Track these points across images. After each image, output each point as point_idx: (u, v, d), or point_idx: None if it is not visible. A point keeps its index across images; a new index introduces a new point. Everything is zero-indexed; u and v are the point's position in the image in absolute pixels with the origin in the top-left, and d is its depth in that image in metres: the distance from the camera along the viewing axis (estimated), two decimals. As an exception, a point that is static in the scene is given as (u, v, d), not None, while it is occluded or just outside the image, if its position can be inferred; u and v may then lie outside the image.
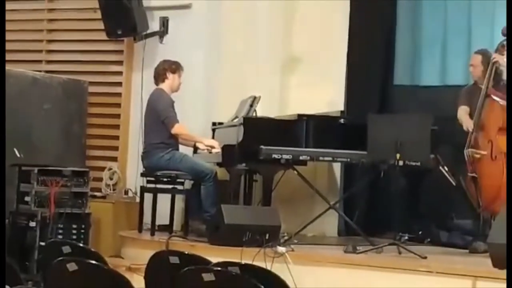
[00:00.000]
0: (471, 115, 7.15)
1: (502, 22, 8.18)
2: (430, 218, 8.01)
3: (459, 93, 7.47)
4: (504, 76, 7.11)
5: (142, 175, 7.89)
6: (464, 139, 7.15)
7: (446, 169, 6.97)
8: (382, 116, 7.72)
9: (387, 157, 6.67)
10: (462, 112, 7.24)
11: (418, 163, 6.93)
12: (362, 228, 7.56)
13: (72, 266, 4.15)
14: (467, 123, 7.11)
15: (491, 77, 7.02)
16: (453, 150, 7.32)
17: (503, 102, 6.90)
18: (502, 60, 6.99)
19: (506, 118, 6.84)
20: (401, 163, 6.60)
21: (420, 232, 7.82)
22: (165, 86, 7.81)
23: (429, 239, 7.75)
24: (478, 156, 6.93)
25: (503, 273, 5.54)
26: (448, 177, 6.95)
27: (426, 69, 8.72)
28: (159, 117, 7.66)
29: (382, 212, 8.38)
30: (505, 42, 7.01)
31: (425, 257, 6.29)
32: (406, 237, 7.34)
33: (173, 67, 7.82)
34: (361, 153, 7.12)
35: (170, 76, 7.80)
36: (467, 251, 7.00)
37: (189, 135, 7.80)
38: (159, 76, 7.83)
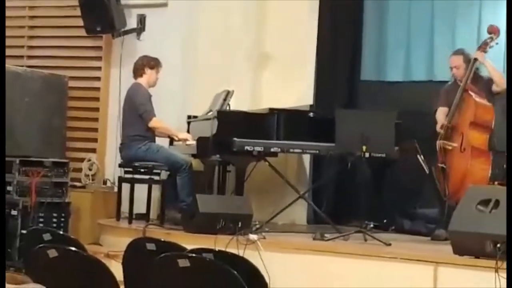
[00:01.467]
0: (449, 112, 7.13)
1: (463, 21, 8.27)
2: (394, 207, 8.05)
3: (439, 92, 7.44)
4: (483, 73, 7.13)
5: (120, 166, 7.87)
6: (426, 132, 7.17)
7: (422, 158, 6.99)
8: (349, 111, 7.75)
9: (353, 149, 6.69)
10: (440, 113, 7.21)
11: (383, 155, 6.96)
12: (330, 216, 7.59)
13: (52, 253, 4.13)
14: (439, 125, 7.11)
15: (470, 74, 7.04)
16: (415, 142, 7.34)
17: (478, 98, 6.94)
18: (482, 57, 7.02)
19: (478, 113, 6.89)
20: (367, 155, 6.62)
21: (384, 221, 7.85)
22: (142, 80, 7.79)
23: (393, 227, 7.79)
24: (450, 148, 6.96)
25: (463, 260, 5.59)
26: (423, 165, 6.97)
27: (391, 65, 8.75)
28: (137, 111, 7.64)
29: (349, 201, 8.41)
30: (488, 40, 7.05)
31: (390, 244, 6.33)
32: (372, 225, 7.35)
33: (152, 63, 7.80)
34: (329, 145, 7.14)
35: (148, 71, 7.78)
36: (430, 238, 7.05)
37: (165, 129, 7.79)
38: (138, 71, 7.81)
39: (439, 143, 6.95)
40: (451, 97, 7.09)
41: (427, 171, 7.05)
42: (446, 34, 8.41)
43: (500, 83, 7.00)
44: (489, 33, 7.10)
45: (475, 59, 7.02)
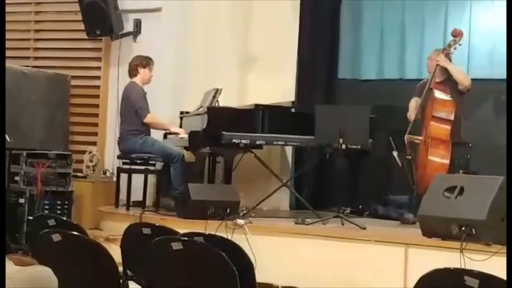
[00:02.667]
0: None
1: (432, 22, 8.29)
2: (368, 194, 8.06)
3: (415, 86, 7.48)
4: (450, 72, 7.11)
5: (119, 157, 7.85)
6: (398, 125, 7.19)
7: (397, 153, 7.00)
8: (328, 106, 7.74)
9: (331, 141, 6.68)
10: (412, 102, 7.20)
11: (359, 147, 6.96)
12: (310, 203, 7.58)
13: (56, 237, 4.13)
14: (410, 114, 7.13)
15: (434, 74, 7.04)
16: (388, 135, 7.35)
17: (440, 95, 6.95)
18: (443, 61, 7.01)
19: (438, 107, 6.90)
20: (343, 146, 6.61)
21: (360, 206, 7.85)
22: (137, 79, 7.76)
23: (368, 212, 7.79)
24: (417, 141, 6.96)
25: (431, 241, 5.60)
26: (397, 160, 6.98)
27: (366, 64, 8.76)
28: (133, 108, 7.62)
29: (328, 189, 8.44)
30: (451, 43, 7.05)
31: (365, 228, 6.33)
32: (348, 211, 7.36)
33: (144, 62, 7.77)
34: (309, 138, 7.14)
35: (141, 70, 7.75)
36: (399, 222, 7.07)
37: (159, 124, 7.79)
38: (132, 71, 7.79)
39: (407, 137, 6.97)
40: (423, 90, 7.09)
41: (400, 165, 7.05)
42: (416, 36, 8.44)
43: (462, 82, 7.00)
44: (453, 36, 7.10)
45: (437, 64, 7.03)
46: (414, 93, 7.27)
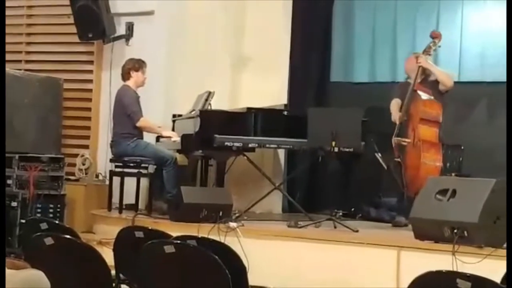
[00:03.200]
0: (402, 107, 7.16)
1: (423, 26, 8.31)
2: (361, 196, 8.07)
3: (394, 87, 7.49)
4: (432, 73, 7.14)
5: (111, 160, 7.84)
6: (390, 128, 7.21)
7: (380, 155, 7.01)
8: (320, 109, 7.75)
9: (324, 144, 6.69)
10: (394, 104, 7.24)
11: (351, 149, 6.97)
12: (303, 206, 7.60)
13: (49, 241, 4.12)
14: (394, 115, 7.15)
15: (417, 75, 7.06)
16: (380, 138, 7.37)
17: (425, 96, 6.97)
18: (424, 62, 7.03)
19: (426, 110, 6.92)
20: (336, 149, 6.63)
21: (352, 209, 7.87)
22: (130, 83, 7.76)
23: (360, 215, 7.81)
24: (404, 143, 6.97)
25: (423, 244, 5.62)
26: (381, 162, 7.00)
27: (358, 67, 8.78)
28: (125, 111, 7.61)
29: (320, 192, 8.44)
30: (431, 44, 7.07)
31: (357, 231, 6.34)
32: (341, 213, 7.38)
33: (136, 65, 7.76)
34: (302, 141, 7.15)
35: (134, 74, 7.74)
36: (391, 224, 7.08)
37: (152, 128, 7.78)
38: (125, 74, 7.78)
39: (394, 140, 6.98)
40: (404, 91, 7.10)
41: (385, 167, 7.07)
42: (408, 38, 8.46)
43: (445, 83, 7.02)
44: (432, 38, 7.13)
45: (419, 66, 7.04)
46: (394, 95, 7.28)
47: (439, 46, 7.12)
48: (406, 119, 7.00)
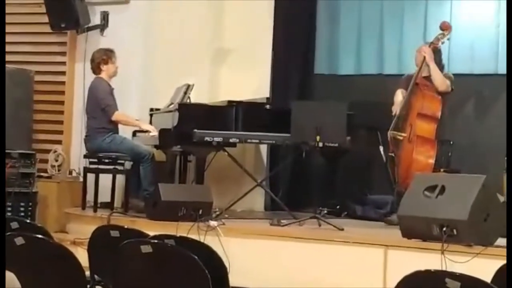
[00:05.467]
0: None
1: (410, 18, 8.34)
2: (346, 194, 8.09)
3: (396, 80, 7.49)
4: (431, 71, 7.11)
5: (85, 156, 7.81)
6: (376, 122, 7.21)
7: (383, 148, 7.02)
8: (304, 102, 7.75)
9: (308, 139, 6.69)
10: (398, 95, 7.15)
11: (336, 144, 6.98)
12: (286, 203, 7.61)
13: (19, 240, 4.09)
14: (395, 107, 7.11)
15: (421, 68, 7.04)
16: (366, 132, 7.38)
17: (426, 91, 6.97)
18: (430, 57, 6.99)
19: (425, 105, 6.92)
20: (320, 144, 6.63)
21: (337, 207, 7.88)
22: (103, 75, 7.72)
23: (345, 213, 7.82)
24: (400, 138, 6.96)
25: (411, 242, 5.63)
26: (382, 155, 7.00)
27: (343, 59, 8.79)
28: (99, 105, 7.59)
29: (304, 189, 8.45)
30: (440, 36, 7.06)
31: (342, 229, 6.35)
32: (325, 211, 7.39)
33: (105, 58, 7.71)
34: (285, 135, 7.16)
35: (104, 67, 7.71)
36: (381, 223, 7.07)
37: (128, 121, 7.74)
38: (95, 69, 7.75)
39: (389, 133, 6.98)
40: (409, 84, 7.09)
41: (384, 161, 7.07)
42: (395, 30, 8.48)
43: (437, 85, 6.98)
44: (442, 29, 7.10)
45: (423, 58, 7.02)
46: (399, 85, 7.21)
47: (448, 39, 7.09)
48: (405, 112, 6.97)
